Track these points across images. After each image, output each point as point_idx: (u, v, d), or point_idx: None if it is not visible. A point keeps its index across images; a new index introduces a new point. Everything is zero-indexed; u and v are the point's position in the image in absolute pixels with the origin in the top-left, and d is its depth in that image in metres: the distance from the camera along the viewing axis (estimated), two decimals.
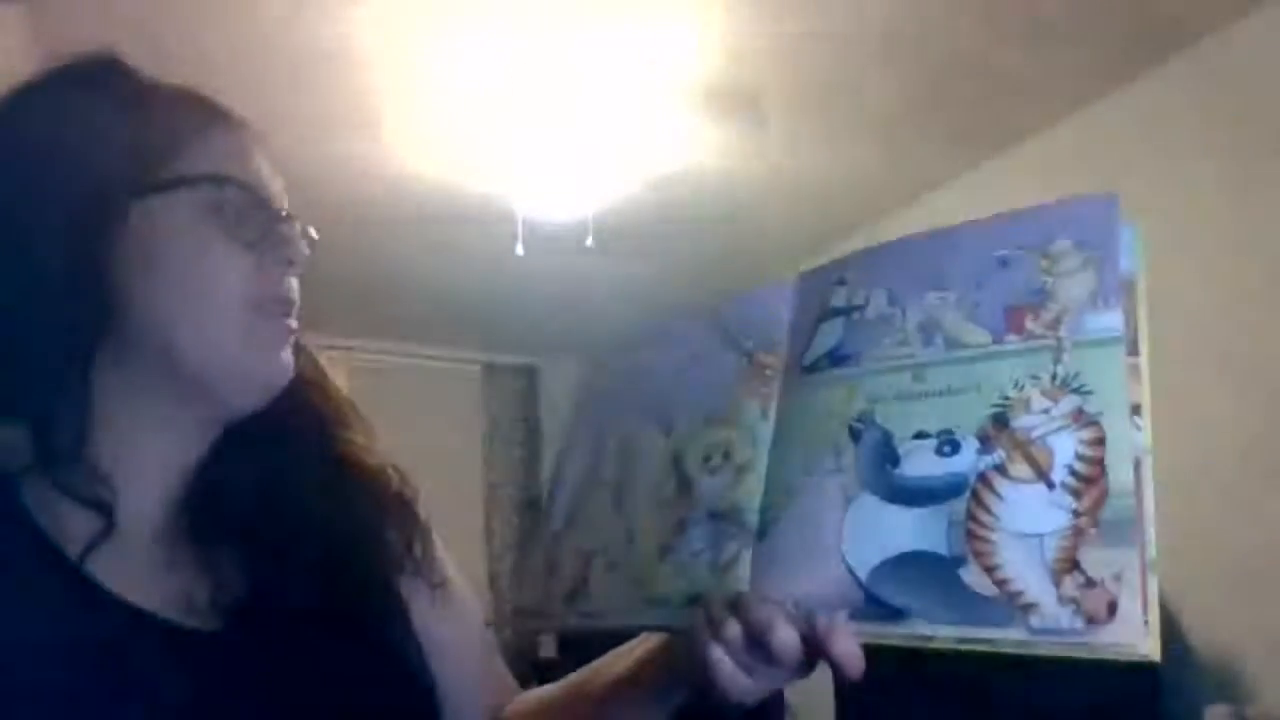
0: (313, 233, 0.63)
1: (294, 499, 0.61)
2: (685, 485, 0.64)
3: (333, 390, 0.67)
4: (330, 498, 0.62)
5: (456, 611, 0.67)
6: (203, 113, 0.61)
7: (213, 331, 0.57)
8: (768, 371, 0.64)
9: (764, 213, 3.14)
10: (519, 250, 2.76)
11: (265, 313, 0.59)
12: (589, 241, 2.72)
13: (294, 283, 0.61)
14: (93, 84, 0.59)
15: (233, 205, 0.58)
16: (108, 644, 0.52)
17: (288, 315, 0.61)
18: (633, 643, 0.65)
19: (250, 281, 0.58)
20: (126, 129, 0.58)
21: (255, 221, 0.59)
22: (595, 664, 0.67)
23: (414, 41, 2.29)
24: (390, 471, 0.66)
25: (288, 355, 0.61)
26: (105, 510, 0.54)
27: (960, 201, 2.88)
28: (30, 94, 0.59)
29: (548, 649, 4.16)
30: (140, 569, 0.55)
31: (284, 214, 0.61)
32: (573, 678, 0.69)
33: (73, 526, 0.54)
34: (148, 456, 0.58)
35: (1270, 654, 1.78)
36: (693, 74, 2.40)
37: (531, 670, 3.36)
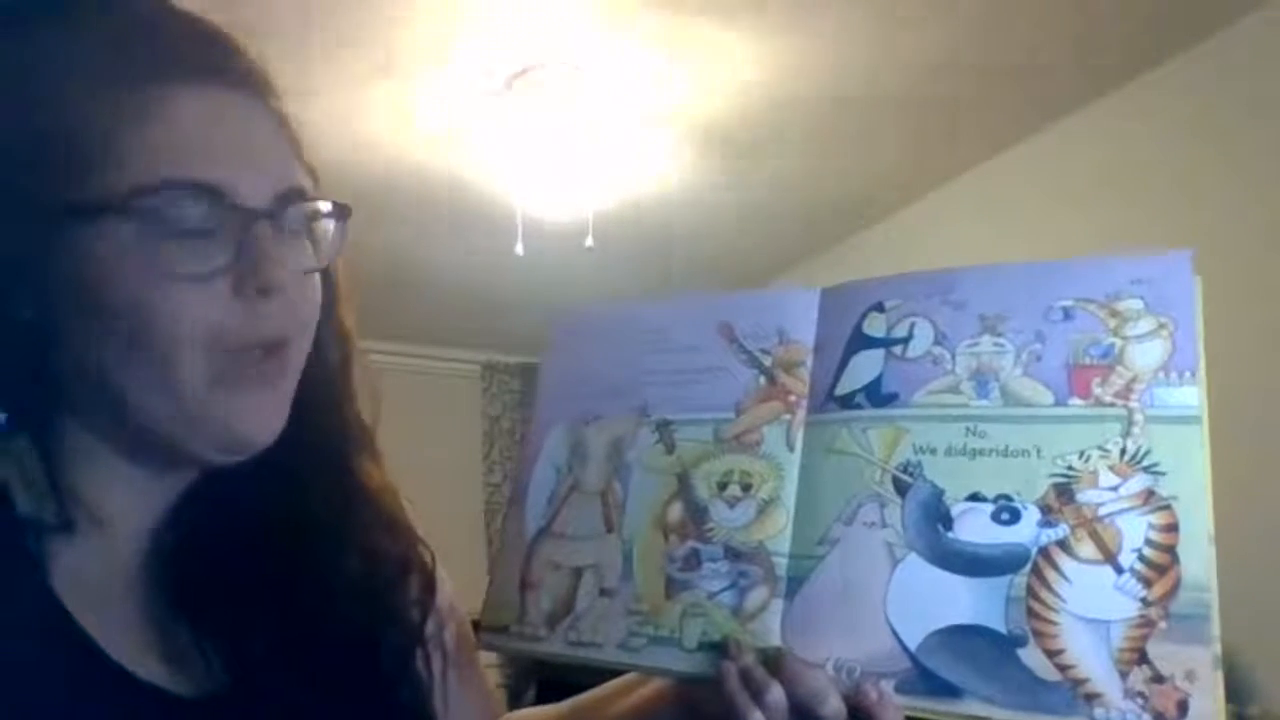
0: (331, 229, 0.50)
1: (280, 552, 0.51)
2: (696, 511, 0.59)
3: (352, 415, 0.55)
4: (329, 546, 0.53)
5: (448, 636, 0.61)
6: (176, 59, 0.45)
7: (168, 379, 0.44)
8: (791, 396, 0.59)
9: (767, 212, 3.09)
10: (519, 250, 2.67)
11: (241, 356, 0.46)
12: (589, 241, 2.65)
13: (284, 312, 0.47)
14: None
15: (191, 217, 0.44)
16: (92, 708, 0.44)
17: (272, 356, 0.47)
18: (631, 676, 0.61)
19: (217, 316, 0.45)
20: (77, 99, 0.43)
21: (223, 237, 0.45)
22: (594, 695, 0.63)
23: (415, 41, 2.16)
24: (407, 524, 0.58)
25: (273, 404, 0.48)
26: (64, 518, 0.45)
27: (959, 202, 2.86)
28: None
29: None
30: (119, 628, 0.47)
31: (267, 220, 0.46)
32: (568, 706, 0.65)
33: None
34: (122, 501, 0.48)
35: (1270, 654, 1.85)
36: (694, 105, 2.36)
37: (527, 673, 3.28)
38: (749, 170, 2.82)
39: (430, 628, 0.57)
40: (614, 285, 3.51)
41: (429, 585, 0.58)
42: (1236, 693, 1.90)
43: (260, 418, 0.48)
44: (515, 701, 2.92)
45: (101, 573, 0.48)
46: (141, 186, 0.43)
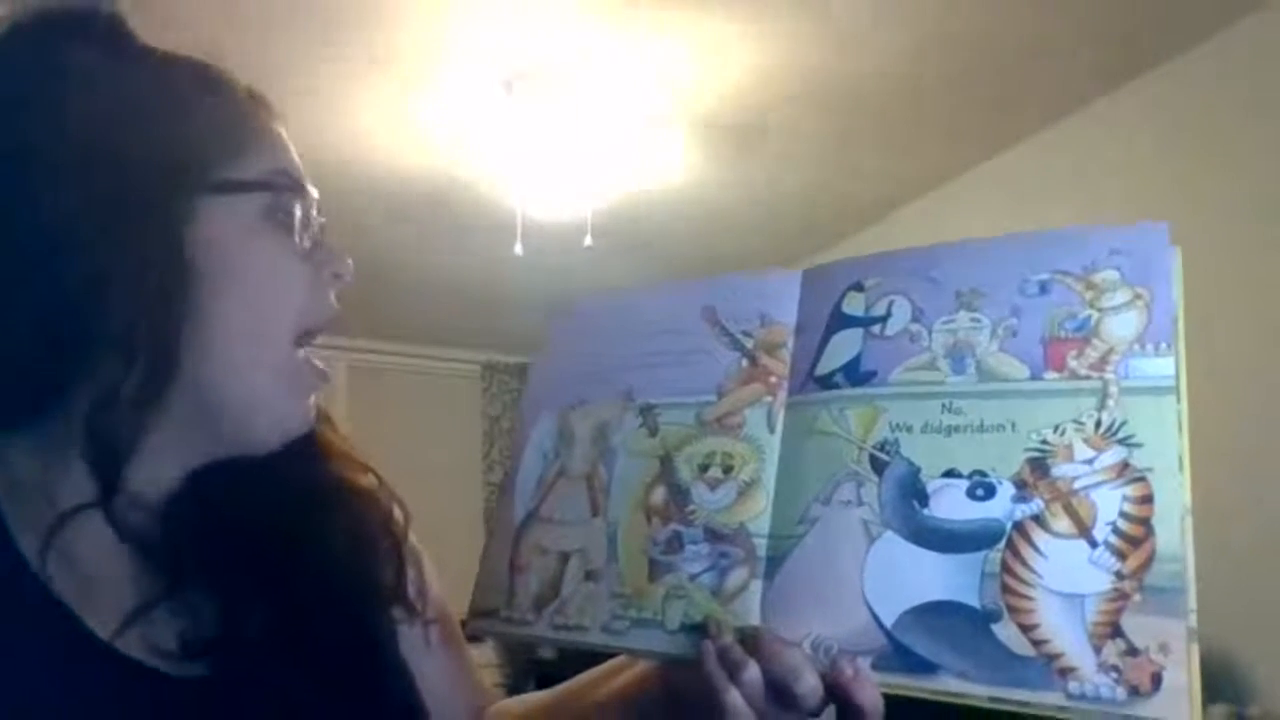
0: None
1: (274, 529, 0.53)
2: (678, 494, 0.59)
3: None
4: (314, 527, 0.54)
5: (434, 623, 0.62)
6: (262, 104, 0.54)
7: (266, 360, 0.50)
8: (772, 378, 0.59)
9: (766, 211, 3.10)
10: (518, 250, 2.70)
11: (308, 346, 0.53)
12: (588, 241, 2.68)
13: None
14: (170, 56, 0.52)
15: (294, 210, 0.51)
16: (85, 689, 0.45)
17: (313, 344, 0.54)
18: (619, 660, 0.61)
19: (306, 302, 0.52)
20: (206, 109, 0.50)
21: (309, 230, 0.52)
22: (582, 679, 0.63)
23: (414, 40, 2.18)
24: (380, 494, 0.59)
25: (313, 400, 0.54)
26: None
27: (958, 202, 2.87)
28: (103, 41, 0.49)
29: (547, 648, 4.11)
30: (111, 603, 0.48)
31: (324, 221, 0.54)
32: (557, 691, 0.65)
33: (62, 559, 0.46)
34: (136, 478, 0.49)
35: (1270, 654, 1.83)
36: (694, 102, 2.36)
37: (526, 671, 3.26)
38: (749, 170, 2.82)
39: (398, 603, 0.57)
40: (614, 285, 3.52)
41: (397, 553, 0.59)
42: (1237, 693, 1.87)
43: (306, 413, 0.53)
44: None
45: (94, 555, 0.48)
46: (264, 173, 0.51)
